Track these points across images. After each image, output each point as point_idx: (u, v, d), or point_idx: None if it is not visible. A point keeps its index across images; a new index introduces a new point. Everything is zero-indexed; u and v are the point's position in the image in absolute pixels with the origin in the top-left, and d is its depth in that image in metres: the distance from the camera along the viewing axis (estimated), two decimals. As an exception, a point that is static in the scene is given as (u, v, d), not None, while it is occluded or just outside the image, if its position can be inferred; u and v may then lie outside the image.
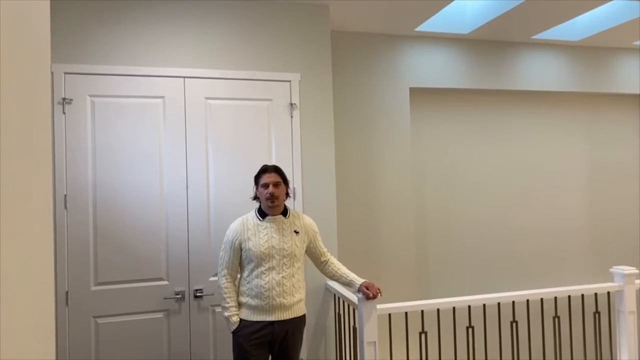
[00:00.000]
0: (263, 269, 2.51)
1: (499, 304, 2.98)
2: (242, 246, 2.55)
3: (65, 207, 2.85)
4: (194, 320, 3.02)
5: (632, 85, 4.75)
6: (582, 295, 3.08)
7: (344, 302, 2.99)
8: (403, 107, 4.07)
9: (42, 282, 0.94)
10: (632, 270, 3.06)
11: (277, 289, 2.51)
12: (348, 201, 3.88)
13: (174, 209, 3.01)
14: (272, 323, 2.51)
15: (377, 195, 3.98)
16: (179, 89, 3.05)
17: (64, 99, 2.86)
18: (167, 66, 3.03)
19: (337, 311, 3.16)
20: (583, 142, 4.86)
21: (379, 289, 2.54)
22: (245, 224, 2.59)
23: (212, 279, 3.04)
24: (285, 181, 2.62)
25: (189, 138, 3.05)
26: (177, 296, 2.98)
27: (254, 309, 2.51)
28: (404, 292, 3.91)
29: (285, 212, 2.63)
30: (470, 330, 2.88)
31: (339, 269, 2.71)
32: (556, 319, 3.08)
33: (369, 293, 2.51)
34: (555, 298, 3.04)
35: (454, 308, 2.85)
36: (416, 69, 4.12)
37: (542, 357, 3.25)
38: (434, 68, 4.16)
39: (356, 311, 2.70)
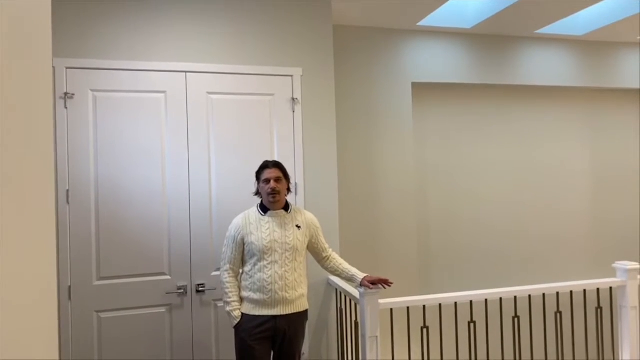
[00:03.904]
0: (265, 262, 2.52)
1: (500, 299, 2.98)
2: (245, 240, 2.56)
3: (68, 202, 2.85)
4: (196, 315, 3.02)
5: (636, 80, 4.73)
6: (585, 290, 3.08)
7: (345, 296, 3.00)
8: (405, 101, 4.06)
9: (45, 277, 0.94)
10: (635, 265, 3.06)
11: (280, 282, 2.51)
12: (350, 196, 3.88)
13: (176, 203, 3.01)
14: (274, 317, 2.52)
15: (379, 191, 3.98)
16: (181, 83, 3.04)
17: (65, 93, 2.85)
18: (169, 61, 3.03)
19: (339, 306, 3.16)
20: (587, 137, 4.84)
21: (385, 280, 2.55)
22: (247, 218, 2.60)
23: (214, 273, 3.04)
24: (286, 176, 2.62)
25: (191, 133, 3.05)
26: (180, 291, 2.99)
27: (256, 303, 2.52)
28: (406, 287, 3.91)
29: (287, 207, 2.64)
30: (472, 325, 2.88)
31: (340, 264, 2.72)
32: (558, 314, 3.09)
33: (369, 285, 2.53)
34: (558, 293, 3.04)
35: (455, 303, 2.85)
36: (418, 63, 4.10)
37: (544, 352, 3.26)
38: (436, 63, 4.15)
39: (358, 306, 2.71)
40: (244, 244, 2.57)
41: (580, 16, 4.22)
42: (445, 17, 3.98)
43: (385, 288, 2.55)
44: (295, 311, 2.57)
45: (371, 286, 2.54)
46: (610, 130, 4.91)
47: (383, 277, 2.58)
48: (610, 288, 3.13)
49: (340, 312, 3.14)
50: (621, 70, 4.68)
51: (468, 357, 2.99)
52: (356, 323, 2.83)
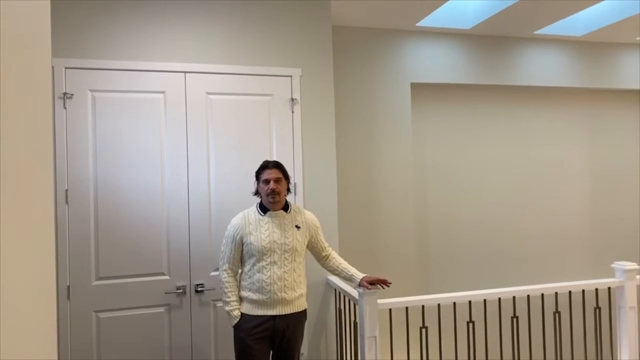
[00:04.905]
0: (264, 263, 2.52)
1: (499, 299, 2.98)
2: (244, 240, 2.55)
3: (67, 202, 2.85)
4: (195, 315, 3.02)
5: (635, 80, 4.73)
6: (583, 290, 3.08)
7: (344, 297, 3.00)
8: (404, 102, 4.06)
9: (44, 277, 0.94)
10: (633, 265, 3.06)
11: (279, 283, 2.52)
12: (349, 196, 3.88)
13: (174, 203, 3.01)
14: (273, 317, 2.52)
15: (378, 191, 3.98)
16: (180, 84, 3.04)
17: (64, 93, 2.85)
18: (168, 61, 3.03)
19: (337, 306, 3.17)
20: (586, 138, 4.85)
21: (383, 280, 2.55)
22: (246, 218, 2.59)
23: (213, 273, 3.04)
24: (286, 177, 2.62)
25: (190, 133, 3.05)
26: (179, 291, 2.99)
27: (255, 303, 2.52)
28: (405, 287, 3.91)
29: (286, 208, 2.64)
30: (470, 325, 2.88)
31: (340, 263, 2.72)
32: (557, 315, 3.09)
33: (367, 286, 2.54)
34: (556, 293, 3.04)
35: (454, 303, 2.86)
36: (417, 64, 4.10)
37: (542, 352, 3.27)
38: (435, 63, 4.15)
39: (357, 306, 2.71)
40: (242, 244, 2.57)
41: (579, 17, 4.23)
42: (445, 18, 3.98)
43: (383, 288, 2.56)
44: (294, 311, 2.57)
45: (369, 286, 2.54)
46: (609, 130, 4.92)
47: (382, 277, 2.59)
48: (609, 288, 3.13)
49: (339, 312, 3.14)
50: (621, 71, 4.69)
51: (467, 357, 2.99)
52: (355, 323, 2.83)
